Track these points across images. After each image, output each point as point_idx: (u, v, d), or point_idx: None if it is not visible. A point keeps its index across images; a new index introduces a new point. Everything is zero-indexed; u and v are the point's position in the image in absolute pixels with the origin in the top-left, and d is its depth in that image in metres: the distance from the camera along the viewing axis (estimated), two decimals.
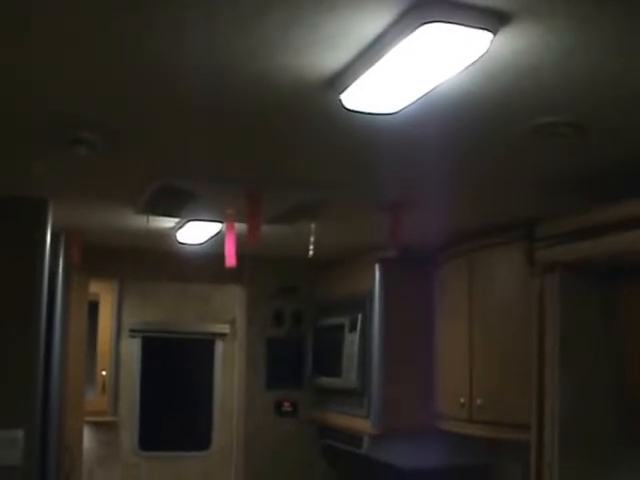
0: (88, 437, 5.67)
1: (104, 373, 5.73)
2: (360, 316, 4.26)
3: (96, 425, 5.69)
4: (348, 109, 1.95)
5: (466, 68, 1.69)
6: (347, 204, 3.21)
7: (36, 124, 2.28)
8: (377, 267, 4.19)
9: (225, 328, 6.10)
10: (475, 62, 1.66)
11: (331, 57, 1.74)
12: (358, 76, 1.78)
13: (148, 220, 3.51)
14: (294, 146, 2.45)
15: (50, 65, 1.83)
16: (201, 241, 4.04)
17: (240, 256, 4.43)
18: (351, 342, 4.31)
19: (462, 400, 3.63)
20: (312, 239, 3.39)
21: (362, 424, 4.18)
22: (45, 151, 2.53)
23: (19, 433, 3.17)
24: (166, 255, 4.54)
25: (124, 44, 1.69)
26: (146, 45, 1.69)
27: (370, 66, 1.71)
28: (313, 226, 3.36)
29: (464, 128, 2.20)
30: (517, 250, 3.27)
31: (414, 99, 1.88)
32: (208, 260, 4.26)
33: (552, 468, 2.73)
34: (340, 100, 1.91)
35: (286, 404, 4.96)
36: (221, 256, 3.26)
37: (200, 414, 6.11)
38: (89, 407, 5.44)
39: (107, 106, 2.13)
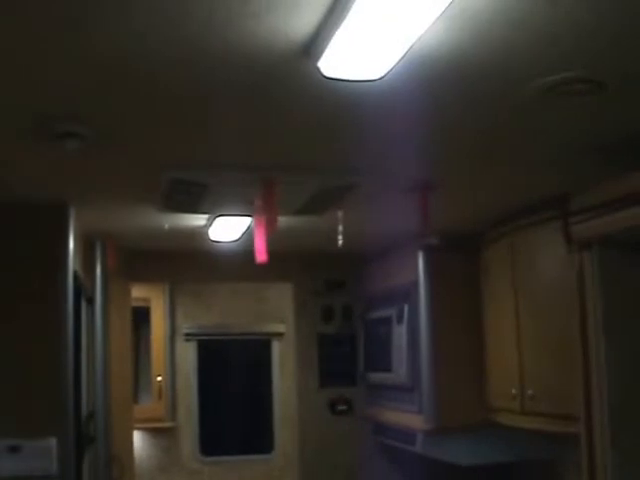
0: (148, 444, 5.65)
1: (159, 379, 5.67)
2: (406, 307, 4.06)
3: (155, 431, 5.65)
4: (328, 77, 1.77)
5: (443, 13, 1.49)
6: (371, 189, 3.02)
7: (23, 123, 2.19)
8: (420, 255, 3.99)
9: (281, 327, 5.97)
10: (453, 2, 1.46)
11: (297, 20, 1.57)
12: (330, 38, 1.60)
13: (166, 225, 3.44)
14: (294, 128, 2.28)
15: (25, 64, 1.75)
16: (234, 238, 3.91)
17: (285, 252, 4.33)
18: (399, 335, 4.12)
19: (514, 391, 3.39)
20: (340, 228, 3.24)
21: (415, 420, 3.98)
22: (37, 148, 2.44)
23: (52, 442, 3.12)
24: (206, 255, 4.45)
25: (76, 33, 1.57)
26: (96, 28, 1.57)
27: (340, 24, 1.54)
28: (340, 214, 3.20)
29: (459, 93, 1.98)
30: (556, 228, 3.02)
31: (397, 58, 1.68)
32: (252, 258, 4.12)
33: (604, 462, 2.49)
34: (319, 69, 1.74)
35: (340, 403, 4.80)
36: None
37: (261, 417, 6.01)
38: (146, 414, 5.41)
39: (90, 103, 2.04)
